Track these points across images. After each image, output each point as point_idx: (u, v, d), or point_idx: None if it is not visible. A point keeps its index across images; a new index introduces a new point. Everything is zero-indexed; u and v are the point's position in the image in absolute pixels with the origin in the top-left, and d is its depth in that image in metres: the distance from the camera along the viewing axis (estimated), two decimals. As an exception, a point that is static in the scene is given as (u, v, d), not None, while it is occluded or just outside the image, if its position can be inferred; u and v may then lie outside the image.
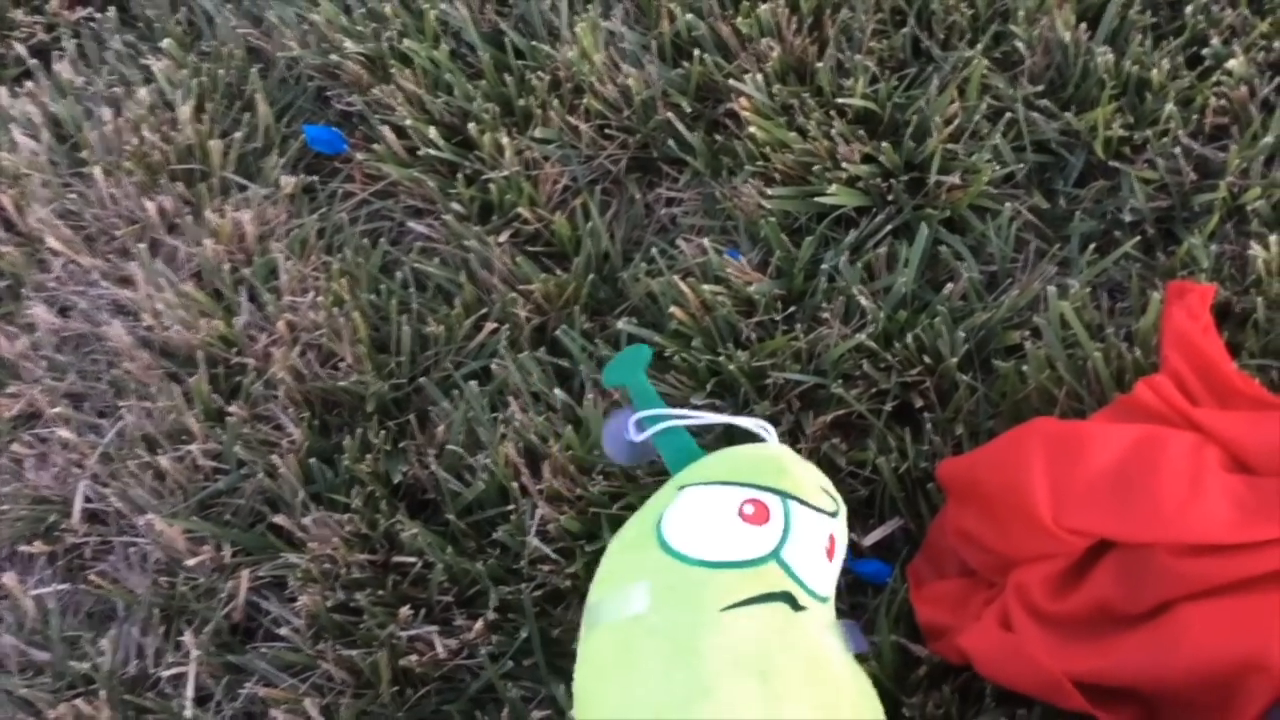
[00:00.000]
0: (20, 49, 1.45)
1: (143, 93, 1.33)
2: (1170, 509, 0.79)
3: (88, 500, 1.13)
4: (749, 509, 0.76)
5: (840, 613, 0.93)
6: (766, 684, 0.69)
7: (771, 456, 0.81)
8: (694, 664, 0.70)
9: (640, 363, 0.90)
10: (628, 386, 0.89)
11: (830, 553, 0.78)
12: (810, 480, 0.80)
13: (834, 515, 0.80)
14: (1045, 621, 0.83)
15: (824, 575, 0.77)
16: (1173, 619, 0.78)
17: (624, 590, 0.75)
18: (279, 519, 1.05)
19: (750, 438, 0.86)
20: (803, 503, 0.77)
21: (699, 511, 0.77)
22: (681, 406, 1.02)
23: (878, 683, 0.87)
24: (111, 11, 1.44)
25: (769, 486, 0.77)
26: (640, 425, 0.85)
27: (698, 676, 0.70)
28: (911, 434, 0.97)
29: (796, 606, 0.73)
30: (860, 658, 0.78)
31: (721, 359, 1.02)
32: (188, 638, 1.02)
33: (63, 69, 1.40)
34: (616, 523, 0.86)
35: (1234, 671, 0.76)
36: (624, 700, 0.71)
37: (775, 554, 0.74)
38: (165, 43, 1.37)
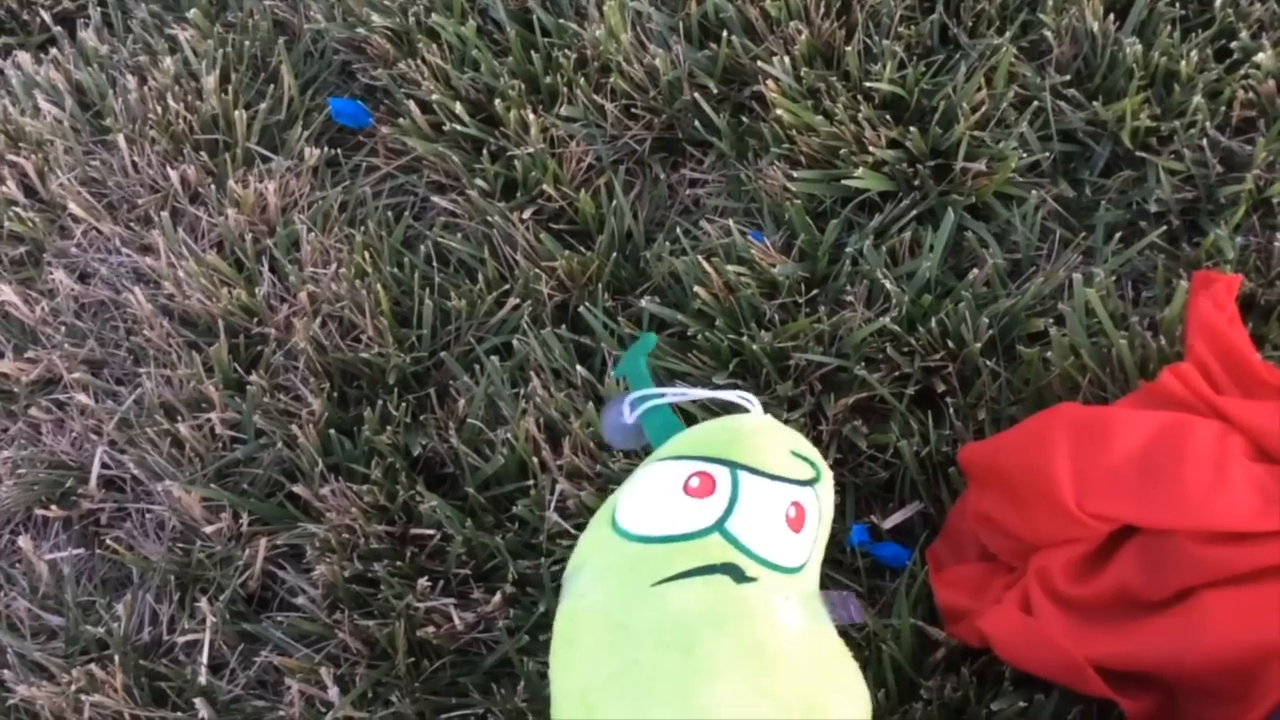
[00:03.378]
0: (45, 15, 1.45)
1: (168, 62, 1.33)
2: (1194, 496, 0.79)
3: (105, 466, 1.13)
4: (695, 481, 0.74)
5: (857, 595, 0.94)
6: (689, 656, 0.67)
7: (730, 427, 0.79)
8: (622, 640, 0.69)
9: (643, 349, 0.89)
10: (627, 375, 0.88)
11: (798, 522, 0.75)
12: (773, 448, 0.77)
13: (805, 483, 0.77)
14: (1066, 606, 0.83)
15: (784, 545, 0.74)
16: (1194, 606, 0.78)
17: (577, 570, 0.75)
18: (297, 489, 1.05)
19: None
20: (756, 472, 0.75)
21: (646, 488, 0.76)
22: (702, 386, 1.02)
23: (896, 665, 0.88)
24: (137, -19, 1.45)
25: (717, 458, 0.75)
26: (633, 407, 0.84)
27: (624, 651, 0.69)
28: (933, 418, 0.97)
29: (742, 578, 0.71)
30: (852, 630, 0.75)
31: (744, 339, 1.02)
32: (203, 605, 1.03)
33: (88, 37, 1.40)
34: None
35: (1254, 659, 0.76)
36: (564, 678, 0.72)
37: (719, 525, 0.72)
38: (191, 13, 1.38)
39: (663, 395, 0.83)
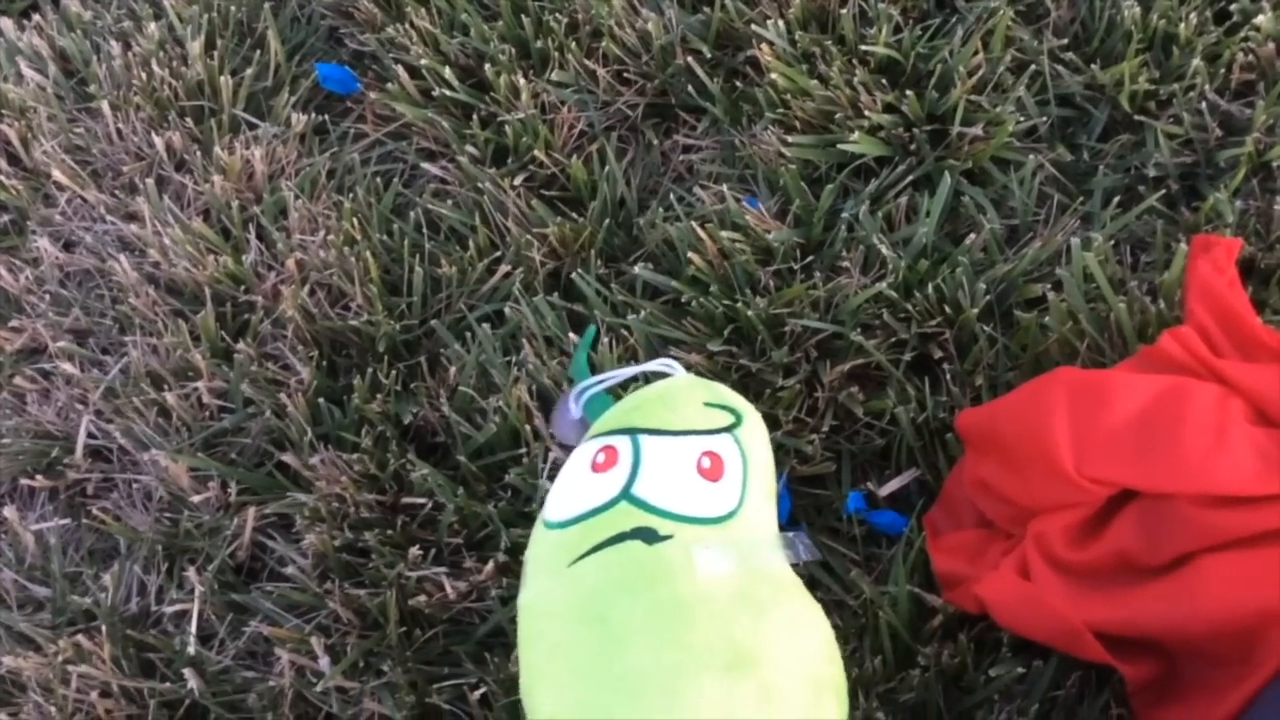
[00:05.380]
0: (27, -19, 1.43)
1: (152, 28, 1.31)
2: (1194, 460, 0.78)
3: (91, 436, 1.12)
4: (601, 457, 0.75)
5: (853, 562, 0.93)
6: (605, 627, 0.68)
7: (637, 396, 0.80)
8: (546, 626, 0.71)
9: (585, 344, 0.90)
10: (575, 373, 0.88)
11: (715, 471, 0.75)
12: (682, 404, 0.78)
13: (719, 431, 0.77)
14: (1064, 571, 0.82)
15: (700, 496, 0.74)
16: (1193, 570, 0.78)
17: (523, 573, 0.77)
18: (286, 458, 1.04)
19: None
20: (657, 432, 0.76)
21: (563, 476, 0.77)
22: (697, 353, 1.01)
23: (893, 632, 0.87)
24: (120, -54, 1.42)
25: (617, 429, 0.77)
26: (578, 399, 0.84)
27: (547, 636, 0.71)
28: (930, 385, 0.96)
29: (655, 539, 0.71)
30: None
31: (739, 306, 1.01)
32: (192, 575, 1.01)
33: (70, 3, 1.38)
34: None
35: (1254, 623, 0.75)
36: (522, 678, 0.73)
37: (625, 493, 0.73)
38: (175, -22, 1.35)
39: (601, 382, 0.84)
